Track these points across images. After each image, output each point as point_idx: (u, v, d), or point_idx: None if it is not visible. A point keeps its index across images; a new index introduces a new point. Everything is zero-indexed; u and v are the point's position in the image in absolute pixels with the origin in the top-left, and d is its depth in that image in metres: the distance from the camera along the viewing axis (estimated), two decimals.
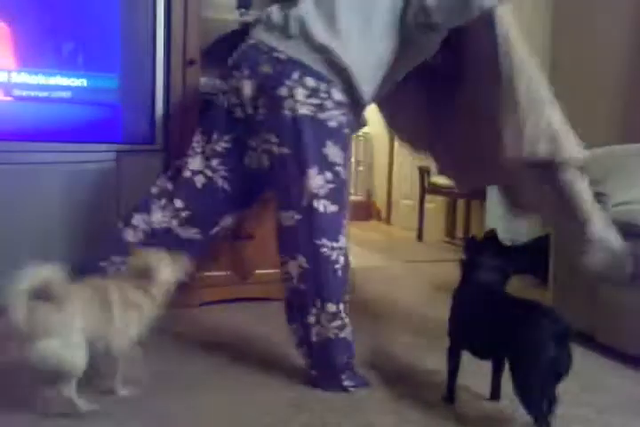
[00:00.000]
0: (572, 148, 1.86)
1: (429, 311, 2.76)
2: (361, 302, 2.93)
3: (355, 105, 1.85)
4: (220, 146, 1.91)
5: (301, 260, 1.78)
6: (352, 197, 4.49)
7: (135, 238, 1.91)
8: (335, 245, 1.80)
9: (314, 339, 1.80)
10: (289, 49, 1.77)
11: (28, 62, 2.43)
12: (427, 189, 4.85)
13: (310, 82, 1.74)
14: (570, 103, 3.69)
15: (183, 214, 1.92)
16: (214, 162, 1.92)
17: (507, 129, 1.83)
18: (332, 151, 1.78)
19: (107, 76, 2.51)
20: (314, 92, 1.74)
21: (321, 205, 1.77)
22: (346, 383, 1.80)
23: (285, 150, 1.78)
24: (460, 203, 4.63)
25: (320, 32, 1.75)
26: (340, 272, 1.81)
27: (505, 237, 3.81)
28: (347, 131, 1.85)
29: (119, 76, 2.52)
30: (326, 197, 1.78)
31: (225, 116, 1.90)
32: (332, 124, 1.78)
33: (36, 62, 2.44)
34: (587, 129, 3.45)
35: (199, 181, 1.92)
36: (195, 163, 1.92)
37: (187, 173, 1.92)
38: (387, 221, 6.00)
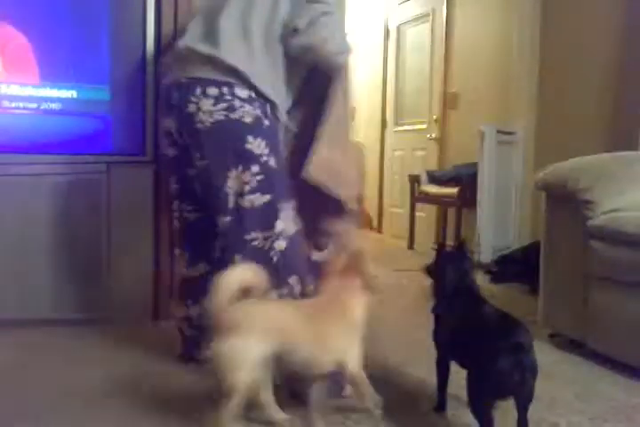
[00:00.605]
0: (336, 188, 1.99)
1: (419, 320, 2.76)
2: None
3: (265, 99, 1.92)
4: (174, 187, 2.06)
5: (238, 258, 1.83)
6: None
7: None
8: (268, 233, 1.86)
9: None
10: (187, 72, 1.89)
11: (17, 74, 2.43)
12: (417, 197, 4.86)
13: (212, 90, 1.84)
14: (558, 111, 3.75)
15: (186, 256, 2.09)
16: (176, 204, 2.08)
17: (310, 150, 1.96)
18: (255, 144, 1.85)
19: (97, 88, 2.52)
20: (219, 98, 1.84)
21: (247, 202, 1.85)
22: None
23: (205, 162, 1.87)
24: (451, 211, 4.64)
25: (202, 46, 1.88)
26: (276, 258, 1.86)
27: (495, 244, 3.87)
28: (267, 122, 1.92)
29: (109, 87, 2.53)
30: (254, 190, 1.85)
31: (170, 161, 2.04)
32: (248, 119, 1.86)
33: (26, 74, 2.44)
34: (575, 137, 3.52)
35: (179, 222, 2.10)
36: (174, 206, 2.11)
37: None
38: (377, 230, 6.01)
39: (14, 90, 2.41)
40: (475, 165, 3.98)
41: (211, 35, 1.89)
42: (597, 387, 1.98)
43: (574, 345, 2.30)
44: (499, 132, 3.92)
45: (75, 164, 2.51)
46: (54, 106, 2.47)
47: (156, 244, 2.60)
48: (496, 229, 3.93)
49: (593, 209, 2.19)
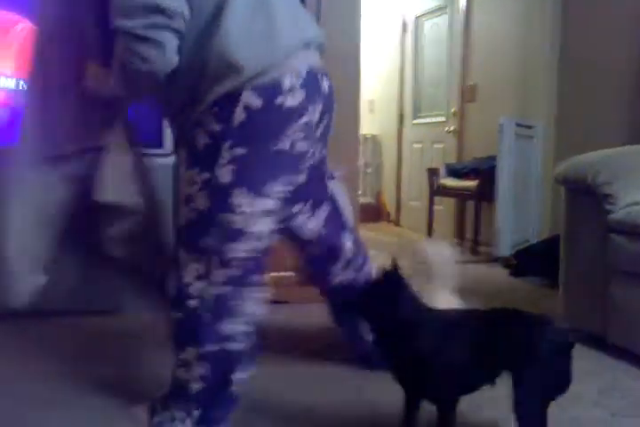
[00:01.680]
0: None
1: None
2: None
3: None
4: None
5: None
6: (361, 199, 4.49)
7: None
8: None
9: None
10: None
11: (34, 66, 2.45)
12: (435, 190, 4.84)
13: None
14: (578, 104, 3.70)
15: None
16: None
17: None
18: None
19: None
20: None
21: None
22: None
23: None
24: (470, 204, 4.62)
25: None
26: None
27: (514, 238, 3.84)
28: None
29: None
30: None
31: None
32: None
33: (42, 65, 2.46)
34: (595, 130, 3.48)
35: None
36: None
37: None
38: (396, 223, 6.00)
39: None
40: (494, 158, 3.96)
41: None
42: (618, 382, 1.97)
43: (595, 339, 2.28)
44: (518, 125, 3.89)
45: None
46: None
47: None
48: (515, 222, 3.91)
49: (613, 203, 2.17)
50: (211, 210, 1.49)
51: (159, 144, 2.58)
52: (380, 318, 1.47)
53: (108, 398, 1.77)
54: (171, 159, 2.56)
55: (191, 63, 1.46)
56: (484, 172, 4.15)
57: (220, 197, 1.49)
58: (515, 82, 4.26)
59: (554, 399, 1.37)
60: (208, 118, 1.47)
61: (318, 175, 1.79)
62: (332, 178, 3.07)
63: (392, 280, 1.47)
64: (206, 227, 1.50)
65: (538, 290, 3.27)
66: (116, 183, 1.71)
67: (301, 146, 1.56)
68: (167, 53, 1.42)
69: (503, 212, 3.86)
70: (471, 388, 1.45)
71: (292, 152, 1.53)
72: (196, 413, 1.55)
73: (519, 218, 3.94)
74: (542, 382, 1.35)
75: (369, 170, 6.36)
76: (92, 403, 1.76)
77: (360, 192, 4.41)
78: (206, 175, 1.48)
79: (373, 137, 6.26)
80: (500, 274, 3.66)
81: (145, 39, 1.39)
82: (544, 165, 3.96)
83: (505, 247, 3.84)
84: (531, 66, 4.08)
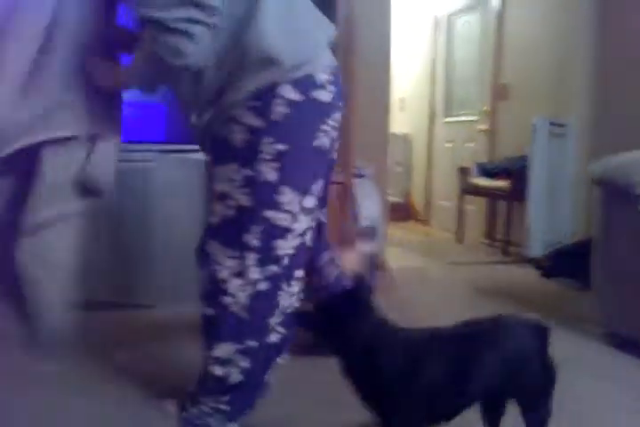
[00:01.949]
0: None
1: (466, 314, 2.73)
2: (396, 303, 2.92)
3: None
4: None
5: None
6: (390, 198, 4.47)
7: None
8: None
9: None
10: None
11: None
12: (466, 190, 4.80)
13: None
14: (613, 103, 3.63)
15: None
16: None
17: None
18: None
19: None
20: None
21: None
22: None
23: None
24: (501, 204, 4.57)
25: None
26: None
27: (546, 239, 3.79)
28: None
29: None
30: None
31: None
32: None
33: None
34: (631, 129, 3.40)
35: None
36: None
37: None
38: (425, 223, 5.96)
39: None
40: (526, 157, 3.90)
41: None
42: None
43: (630, 344, 2.23)
44: (551, 124, 3.83)
45: (128, 152, 2.54)
46: None
47: None
48: (547, 223, 3.85)
49: None
50: (254, 207, 1.47)
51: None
52: (337, 338, 1.33)
53: (137, 392, 1.80)
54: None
55: (222, 60, 1.45)
56: (516, 171, 4.10)
57: (265, 194, 1.47)
58: (548, 80, 4.19)
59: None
60: (245, 113, 1.44)
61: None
62: (361, 176, 3.07)
63: (353, 300, 1.35)
64: (247, 224, 1.48)
65: (570, 292, 3.22)
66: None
67: (333, 143, 1.56)
68: (200, 48, 1.40)
69: (535, 212, 3.81)
70: (442, 417, 1.32)
71: (327, 149, 1.54)
72: (224, 407, 1.57)
73: (551, 218, 3.87)
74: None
75: (399, 169, 6.32)
76: (121, 394, 1.79)
77: (389, 191, 4.38)
78: (247, 172, 1.46)
79: (404, 136, 6.23)
80: (530, 275, 3.61)
81: (178, 32, 1.36)
82: (578, 164, 3.89)
83: (536, 248, 3.79)
84: (565, 64, 4.01)
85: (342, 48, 2.78)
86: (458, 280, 3.51)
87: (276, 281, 1.52)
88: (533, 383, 1.28)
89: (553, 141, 3.83)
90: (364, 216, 3.02)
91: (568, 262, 3.39)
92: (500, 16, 4.71)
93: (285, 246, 1.51)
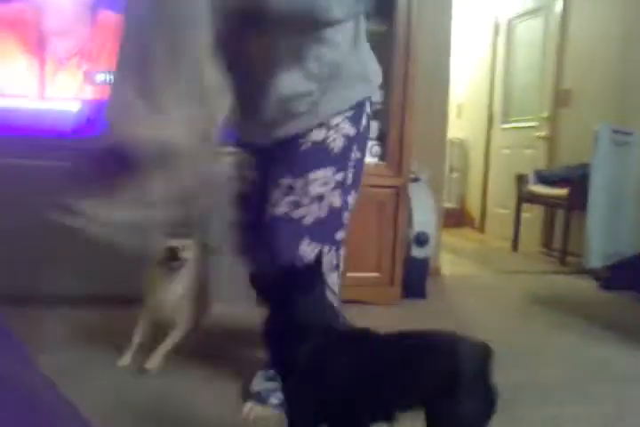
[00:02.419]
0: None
1: (520, 325, 2.68)
2: (445, 311, 2.89)
3: None
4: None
5: None
6: (445, 204, 4.42)
7: None
8: None
9: None
10: None
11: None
12: (523, 197, 4.71)
13: None
14: None
15: None
16: None
17: None
18: None
19: None
20: None
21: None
22: None
23: None
24: (559, 213, 4.46)
25: None
26: None
27: (605, 250, 3.68)
28: None
29: None
30: None
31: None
32: None
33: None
34: None
35: None
36: None
37: None
38: (480, 230, 5.87)
39: None
40: (586, 165, 3.81)
41: None
42: None
43: None
44: (615, 131, 3.72)
45: None
46: None
47: None
48: (607, 233, 3.74)
49: None
50: (341, 208, 1.67)
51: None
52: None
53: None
54: None
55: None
56: (576, 179, 4.00)
57: (345, 196, 1.68)
58: (613, 86, 4.08)
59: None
60: (344, 122, 1.65)
61: None
62: (417, 180, 3.06)
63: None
64: (339, 223, 1.68)
65: (628, 305, 3.12)
66: None
67: None
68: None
69: (595, 222, 3.71)
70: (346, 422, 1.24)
71: None
72: None
73: (612, 229, 3.76)
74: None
75: (454, 175, 6.25)
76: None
77: (444, 197, 4.34)
78: (341, 176, 1.66)
79: (460, 141, 6.16)
80: (588, 286, 3.51)
81: None
82: None
83: (595, 259, 3.69)
84: (631, 69, 3.89)
85: (401, 54, 2.78)
86: (511, 289, 3.44)
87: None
88: (469, 405, 1.15)
89: (616, 150, 3.73)
90: (418, 221, 3.00)
91: (629, 274, 3.29)
92: (564, 20, 4.62)
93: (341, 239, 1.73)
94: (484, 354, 1.17)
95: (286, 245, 1.61)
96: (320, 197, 1.62)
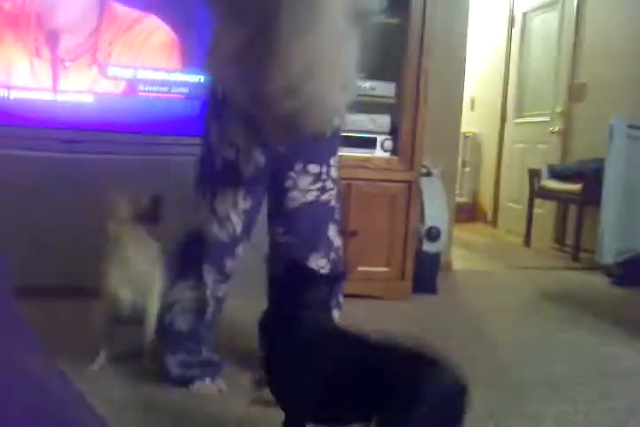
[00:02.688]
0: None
1: (531, 321, 2.67)
2: (456, 306, 2.88)
3: None
4: None
5: None
6: (457, 199, 4.40)
7: None
8: None
9: None
10: None
11: (152, 60, 2.57)
12: (536, 192, 4.68)
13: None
14: None
15: None
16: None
17: None
18: None
19: None
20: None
21: None
22: None
23: None
24: (572, 208, 4.43)
25: None
26: None
27: (619, 246, 3.66)
28: None
29: None
30: None
31: None
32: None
33: (167, 61, 2.60)
34: None
35: None
36: None
37: None
38: (492, 225, 5.84)
39: (149, 74, 2.57)
40: (600, 160, 3.78)
41: None
42: None
43: None
44: (630, 126, 3.69)
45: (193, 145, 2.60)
46: (183, 90, 2.59)
47: None
48: (621, 229, 3.71)
49: None
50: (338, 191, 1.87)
51: None
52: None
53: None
54: None
55: None
56: (590, 174, 3.97)
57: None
58: (628, 80, 4.04)
59: None
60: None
61: None
62: (429, 174, 3.04)
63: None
64: (339, 205, 1.87)
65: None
66: None
67: None
68: None
69: (608, 217, 3.67)
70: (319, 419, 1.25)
71: None
72: None
73: (626, 225, 3.73)
74: None
75: (467, 169, 6.22)
76: None
77: (457, 191, 4.32)
78: (339, 158, 1.85)
79: (473, 136, 6.12)
80: (600, 282, 3.50)
81: None
82: None
83: (608, 255, 3.66)
84: None
85: (415, 47, 2.76)
86: (523, 285, 3.43)
87: None
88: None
89: (631, 144, 3.69)
90: (430, 216, 2.99)
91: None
92: (579, 13, 4.57)
93: None
94: (455, 384, 1.10)
95: (318, 229, 1.75)
96: (337, 181, 1.78)
